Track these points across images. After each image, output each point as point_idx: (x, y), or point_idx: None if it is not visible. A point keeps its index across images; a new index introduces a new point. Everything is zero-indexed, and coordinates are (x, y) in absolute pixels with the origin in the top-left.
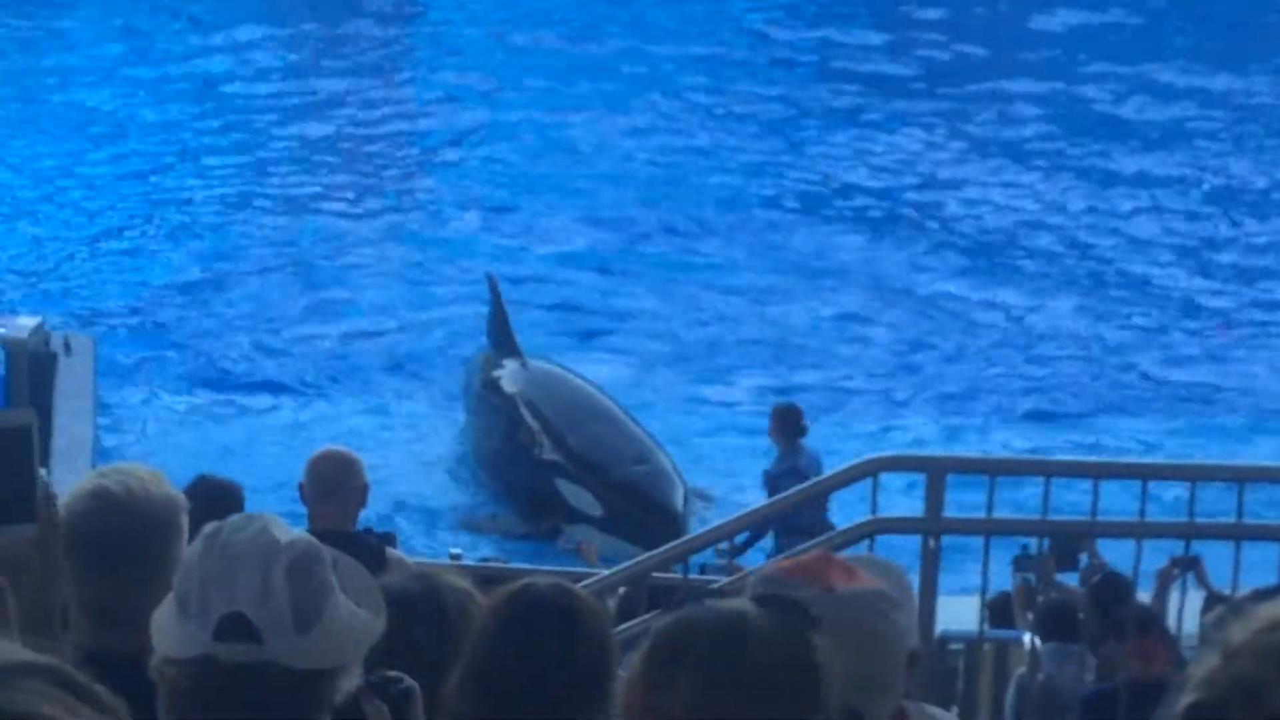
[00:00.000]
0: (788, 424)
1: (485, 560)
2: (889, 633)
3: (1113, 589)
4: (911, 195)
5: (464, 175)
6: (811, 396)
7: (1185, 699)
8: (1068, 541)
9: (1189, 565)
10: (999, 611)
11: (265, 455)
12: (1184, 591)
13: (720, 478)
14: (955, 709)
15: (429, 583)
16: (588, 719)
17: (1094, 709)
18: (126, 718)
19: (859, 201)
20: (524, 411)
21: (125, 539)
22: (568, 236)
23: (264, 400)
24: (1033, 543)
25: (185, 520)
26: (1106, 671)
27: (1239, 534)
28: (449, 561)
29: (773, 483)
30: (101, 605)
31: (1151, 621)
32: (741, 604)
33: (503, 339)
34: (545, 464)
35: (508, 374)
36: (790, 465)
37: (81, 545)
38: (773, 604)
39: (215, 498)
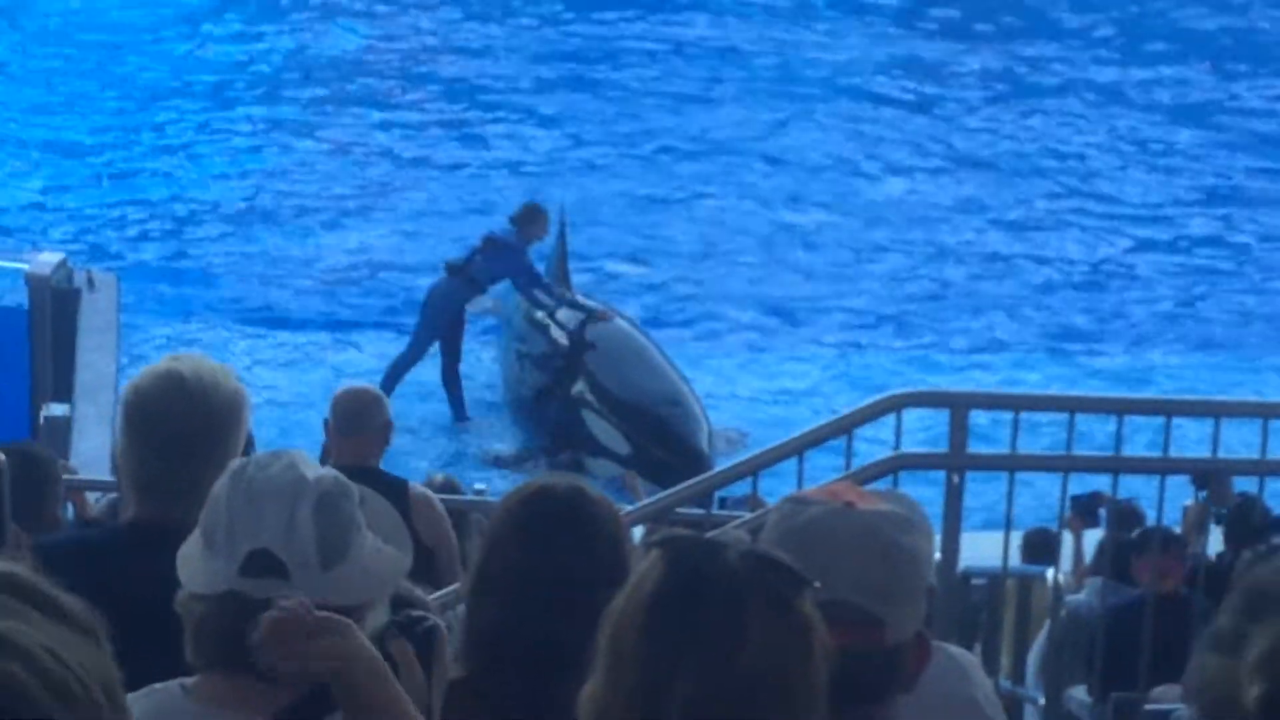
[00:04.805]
0: None
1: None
2: (910, 547)
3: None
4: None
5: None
6: (838, 329)
7: (1253, 690)
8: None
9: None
10: (1037, 546)
11: (289, 388)
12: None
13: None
14: (978, 645)
15: None
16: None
17: (1121, 619)
18: (92, 624)
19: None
20: (561, 344)
21: (187, 422)
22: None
23: (286, 333)
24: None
25: (248, 415)
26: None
27: (1262, 470)
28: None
29: None
30: (151, 480)
31: (1172, 541)
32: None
33: (557, 273)
34: (576, 398)
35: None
36: None
37: (142, 422)
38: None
39: None
